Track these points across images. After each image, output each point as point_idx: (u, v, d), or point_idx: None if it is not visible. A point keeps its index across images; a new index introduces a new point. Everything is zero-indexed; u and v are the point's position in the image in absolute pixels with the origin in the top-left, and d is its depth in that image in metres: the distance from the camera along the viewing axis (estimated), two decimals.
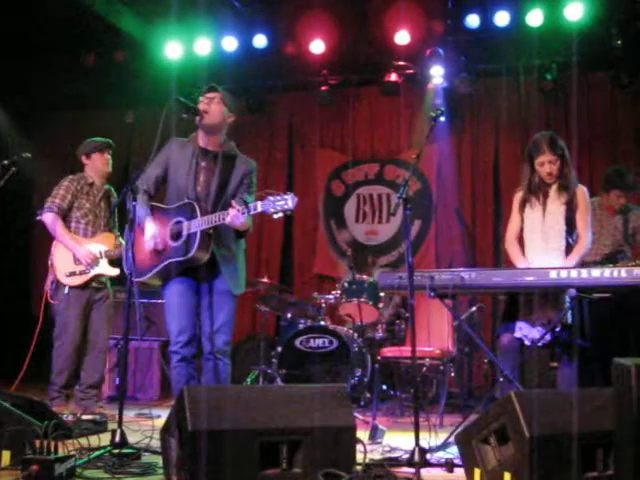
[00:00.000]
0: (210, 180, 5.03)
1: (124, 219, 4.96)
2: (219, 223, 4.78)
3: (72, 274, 6.49)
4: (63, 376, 6.46)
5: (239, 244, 5.13)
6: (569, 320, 5.15)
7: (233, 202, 4.74)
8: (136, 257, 4.87)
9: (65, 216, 6.58)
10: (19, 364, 6.59)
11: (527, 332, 5.19)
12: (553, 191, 5.39)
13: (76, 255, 6.48)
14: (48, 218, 6.52)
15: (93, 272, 6.52)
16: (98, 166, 6.74)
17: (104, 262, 6.59)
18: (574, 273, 4.79)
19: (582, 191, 5.42)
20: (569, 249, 5.32)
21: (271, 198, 4.60)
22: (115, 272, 6.62)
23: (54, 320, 6.56)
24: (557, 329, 5.16)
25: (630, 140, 9.19)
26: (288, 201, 4.57)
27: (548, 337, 5.17)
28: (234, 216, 4.67)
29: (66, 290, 6.47)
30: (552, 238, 5.33)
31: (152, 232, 4.94)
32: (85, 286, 6.54)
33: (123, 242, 6.77)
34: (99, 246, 6.58)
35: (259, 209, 4.64)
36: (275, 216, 4.61)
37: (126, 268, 4.97)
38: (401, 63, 9.56)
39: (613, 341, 6.41)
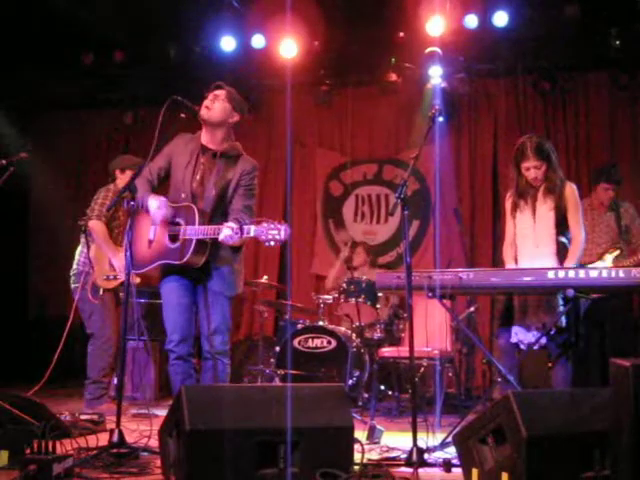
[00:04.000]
0: (207, 178, 5.03)
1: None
2: (212, 237, 4.79)
3: (107, 278, 6.78)
4: (105, 374, 6.86)
5: (236, 252, 5.14)
6: (563, 324, 5.16)
7: (229, 221, 4.77)
8: (135, 249, 4.89)
9: (107, 224, 6.84)
10: (16, 366, 6.66)
11: (522, 337, 5.22)
12: (541, 194, 5.41)
13: (114, 262, 6.75)
14: (96, 225, 6.76)
15: (122, 278, 6.72)
16: None
17: None
18: (572, 273, 4.79)
19: (571, 189, 5.43)
20: (561, 250, 5.34)
21: (265, 225, 4.60)
22: (137, 280, 6.81)
23: (85, 320, 6.87)
24: (552, 332, 5.17)
25: (628, 141, 9.19)
26: (281, 232, 4.58)
27: (543, 340, 5.19)
28: (227, 236, 4.67)
29: (101, 292, 6.79)
30: (543, 243, 5.36)
31: (157, 204, 4.91)
32: (112, 290, 6.88)
33: None
34: None
35: (252, 234, 4.62)
36: (266, 244, 4.63)
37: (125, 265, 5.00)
38: (400, 63, 9.56)
39: (610, 341, 6.43)
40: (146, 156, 4.92)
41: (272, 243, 4.61)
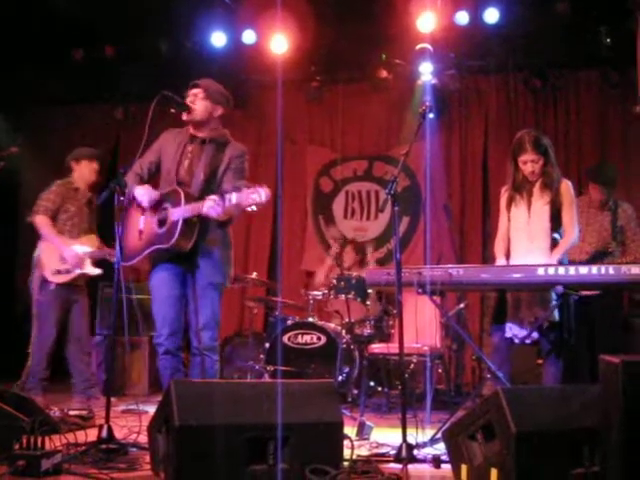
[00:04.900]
0: (195, 165, 5.06)
1: (107, 216, 4.96)
2: (197, 213, 4.79)
3: (58, 272, 6.75)
4: (42, 367, 6.72)
5: (225, 233, 5.14)
6: (556, 318, 5.17)
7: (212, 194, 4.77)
8: (125, 242, 4.91)
9: (53, 218, 6.82)
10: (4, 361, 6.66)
11: (517, 332, 5.22)
12: (537, 189, 5.41)
13: (63, 255, 6.74)
14: (39, 219, 6.77)
15: (77, 272, 6.79)
16: (85, 173, 7.04)
17: (88, 262, 6.87)
18: (561, 270, 4.81)
19: (567, 186, 5.44)
20: (555, 246, 5.34)
21: (245, 190, 4.59)
22: (97, 272, 6.93)
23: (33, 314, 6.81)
24: (545, 326, 5.19)
25: (619, 139, 9.20)
26: (261, 194, 4.55)
27: (536, 335, 5.20)
28: (209, 207, 4.68)
29: (52, 287, 6.73)
30: (537, 238, 5.35)
31: (142, 190, 4.98)
32: (68, 284, 6.81)
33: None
34: (83, 247, 6.85)
35: (234, 201, 4.61)
36: (249, 209, 4.61)
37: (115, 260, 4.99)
38: (390, 59, 9.55)
39: (599, 338, 6.44)
40: (137, 151, 4.93)
41: (254, 207, 4.59)
